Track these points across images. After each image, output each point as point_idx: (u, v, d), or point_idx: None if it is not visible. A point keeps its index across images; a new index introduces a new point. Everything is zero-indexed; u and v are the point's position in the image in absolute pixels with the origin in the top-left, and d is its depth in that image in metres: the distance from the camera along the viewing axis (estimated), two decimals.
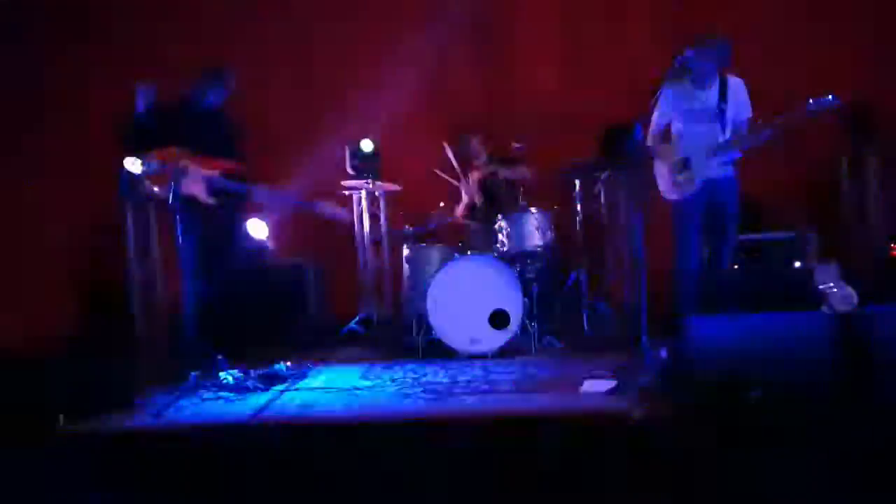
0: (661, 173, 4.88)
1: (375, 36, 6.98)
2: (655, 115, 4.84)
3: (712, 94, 4.68)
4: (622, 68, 6.53)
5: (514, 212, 5.43)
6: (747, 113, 4.72)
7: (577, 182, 5.50)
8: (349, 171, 6.52)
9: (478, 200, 5.94)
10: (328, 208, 4.90)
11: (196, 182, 4.65)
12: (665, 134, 4.87)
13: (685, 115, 4.77)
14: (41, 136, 6.87)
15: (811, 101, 4.34)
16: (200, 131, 4.74)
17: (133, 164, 5.75)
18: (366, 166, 6.45)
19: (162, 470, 3.53)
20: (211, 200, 4.74)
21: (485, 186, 6.03)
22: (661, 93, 4.61)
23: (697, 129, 4.73)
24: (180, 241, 4.66)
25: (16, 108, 6.85)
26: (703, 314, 4.52)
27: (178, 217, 4.61)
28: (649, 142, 4.91)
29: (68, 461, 3.55)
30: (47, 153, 6.80)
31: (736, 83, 4.72)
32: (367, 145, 6.55)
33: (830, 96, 4.31)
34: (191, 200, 4.65)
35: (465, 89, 6.97)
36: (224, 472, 3.50)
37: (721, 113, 4.66)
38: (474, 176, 5.98)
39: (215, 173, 4.72)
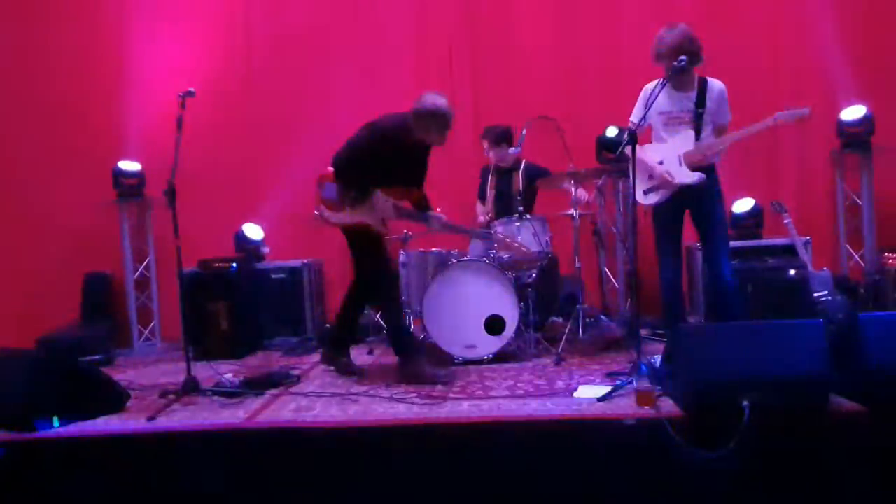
0: (638, 177, 4.66)
1: (374, 44, 7.03)
2: (632, 116, 4.71)
3: (690, 98, 4.55)
4: (618, 73, 6.58)
5: (510, 217, 5.43)
6: (726, 118, 4.60)
7: (573, 188, 5.51)
8: None
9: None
10: (500, 237, 4.83)
11: (378, 213, 4.63)
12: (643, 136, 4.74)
13: (663, 117, 4.64)
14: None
15: (782, 112, 4.33)
16: (409, 163, 4.66)
17: None
18: None
19: (154, 475, 3.53)
20: (384, 230, 4.73)
21: (497, 194, 6.05)
22: (641, 92, 4.59)
23: (674, 133, 4.62)
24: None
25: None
26: (683, 322, 4.54)
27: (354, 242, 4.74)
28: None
29: (59, 464, 3.55)
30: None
31: (716, 87, 4.57)
32: None
33: (802, 108, 4.30)
34: (361, 226, 4.66)
35: (461, 92, 7.00)
36: (218, 476, 3.50)
37: (698, 117, 4.54)
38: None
39: (400, 207, 4.70)
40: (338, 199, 4.61)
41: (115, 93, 6.97)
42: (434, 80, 6.96)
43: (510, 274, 5.15)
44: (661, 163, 4.63)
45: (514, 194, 5.96)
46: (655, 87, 4.40)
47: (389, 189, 4.63)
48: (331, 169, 4.61)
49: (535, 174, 5.92)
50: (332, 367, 4.93)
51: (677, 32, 4.41)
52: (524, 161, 6.01)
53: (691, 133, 4.57)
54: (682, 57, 4.27)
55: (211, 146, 6.80)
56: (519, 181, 6.01)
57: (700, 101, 4.53)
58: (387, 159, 4.50)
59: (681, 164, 4.57)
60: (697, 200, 4.62)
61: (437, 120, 4.42)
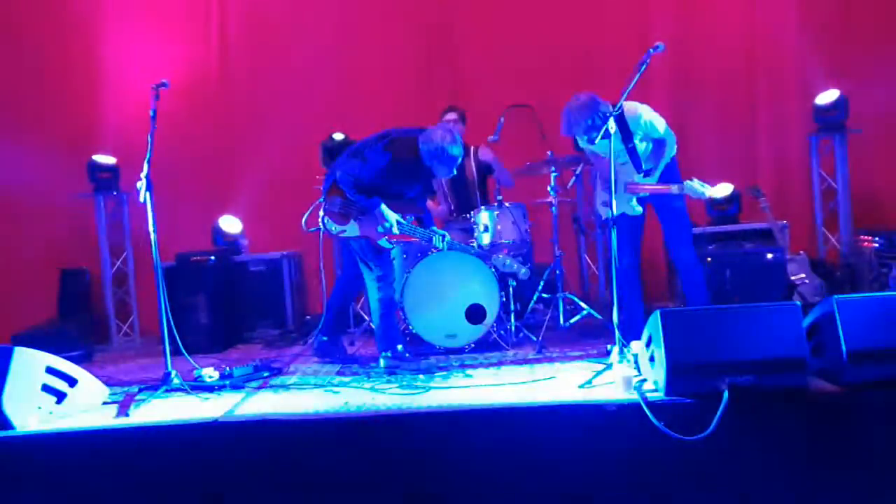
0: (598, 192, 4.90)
1: (352, 33, 6.98)
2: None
3: (615, 140, 4.32)
4: (597, 59, 6.58)
5: (489, 205, 5.43)
6: (657, 131, 4.56)
7: (553, 175, 5.51)
8: (323, 166, 6.51)
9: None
10: (505, 261, 4.79)
11: (372, 226, 4.59)
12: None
13: (601, 161, 4.69)
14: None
15: (688, 182, 4.35)
16: (415, 182, 4.69)
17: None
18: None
19: (132, 470, 3.50)
20: (387, 245, 4.70)
21: (453, 185, 5.94)
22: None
23: (617, 169, 4.47)
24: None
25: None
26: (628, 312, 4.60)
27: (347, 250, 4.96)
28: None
29: (36, 461, 3.52)
30: None
31: (630, 114, 4.50)
32: (338, 137, 6.52)
33: (706, 188, 4.35)
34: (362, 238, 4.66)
35: (434, 78, 6.99)
36: (196, 471, 3.48)
37: (631, 151, 4.54)
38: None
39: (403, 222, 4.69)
40: (343, 212, 4.59)
41: (89, 86, 6.89)
42: (412, 69, 6.95)
43: (490, 262, 5.14)
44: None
45: (468, 183, 5.91)
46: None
47: (393, 204, 4.62)
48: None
49: (486, 162, 5.90)
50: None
51: (580, 105, 4.45)
52: (472, 147, 5.92)
53: (631, 168, 4.59)
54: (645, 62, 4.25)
55: (187, 139, 6.74)
56: (472, 169, 5.94)
57: (625, 138, 4.52)
58: (394, 179, 4.55)
59: (625, 191, 4.58)
60: (655, 197, 4.64)
61: (444, 160, 4.49)
